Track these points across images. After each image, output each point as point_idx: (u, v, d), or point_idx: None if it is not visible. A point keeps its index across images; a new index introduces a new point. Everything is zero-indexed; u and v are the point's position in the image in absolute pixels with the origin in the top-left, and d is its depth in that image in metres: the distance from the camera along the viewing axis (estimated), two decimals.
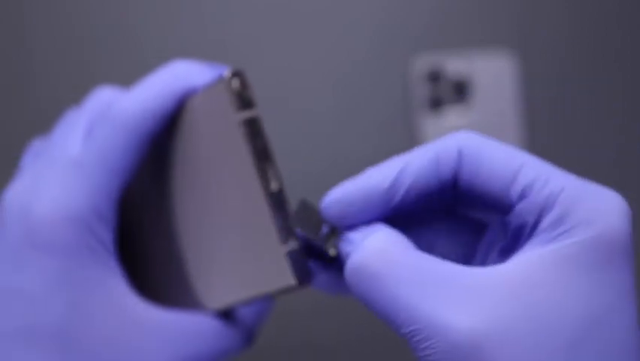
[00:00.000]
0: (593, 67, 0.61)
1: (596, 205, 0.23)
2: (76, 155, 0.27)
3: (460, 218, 0.29)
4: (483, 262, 0.27)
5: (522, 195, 0.24)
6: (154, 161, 0.29)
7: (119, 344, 0.27)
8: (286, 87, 0.60)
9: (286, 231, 0.25)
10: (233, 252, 0.27)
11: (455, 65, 0.58)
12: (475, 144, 0.25)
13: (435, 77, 0.58)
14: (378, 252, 0.24)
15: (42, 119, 0.59)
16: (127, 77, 0.59)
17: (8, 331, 0.26)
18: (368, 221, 0.26)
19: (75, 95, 0.59)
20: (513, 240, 0.25)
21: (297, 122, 0.59)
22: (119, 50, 0.59)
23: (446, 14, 0.60)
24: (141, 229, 0.31)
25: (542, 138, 0.60)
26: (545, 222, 0.23)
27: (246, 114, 0.25)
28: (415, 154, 0.25)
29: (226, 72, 0.25)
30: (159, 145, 0.29)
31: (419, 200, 0.26)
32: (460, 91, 0.59)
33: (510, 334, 0.21)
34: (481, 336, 0.21)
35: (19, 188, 0.28)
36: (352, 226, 0.26)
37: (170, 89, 0.27)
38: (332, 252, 0.26)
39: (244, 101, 0.25)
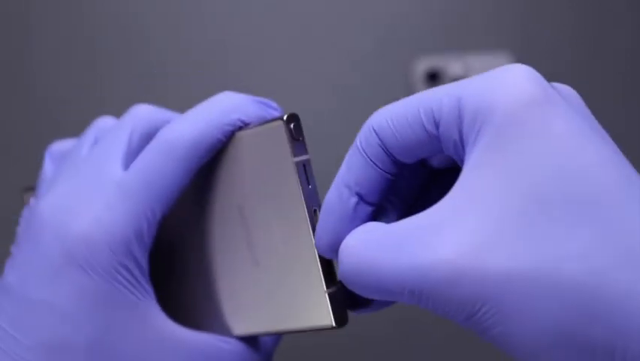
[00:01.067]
0: (590, 69, 0.61)
1: (491, 88, 0.21)
2: (121, 177, 0.28)
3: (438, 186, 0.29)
4: None
5: (437, 124, 0.23)
6: (196, 187, 0.30)
7: None
8: (288, 88, 0.60)
9: (330, 274, 0.26)
10: (272, 286, 0.28)
11: (455, 67, 0.59)
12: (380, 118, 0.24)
13: (434, 78, 0.59)
14: (357, 242, 0.24)
15: (41, 120, 0.59)
16: (127, 77, 0.59)
17: (32, 344, 0.27)
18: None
19: (75, 95, 0.59)
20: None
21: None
22: (119, 50, 0.59)
23: (446, 18, 0.60)
24: (174, 250, 0.31)
25: None
26: (467, 135, 0.22)
27: (301, 158, 0.26)
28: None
29: (285, 115, 0.27)
30: (203, 172, 0.29)
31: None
32: None
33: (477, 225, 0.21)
34: (464, 252, 0.21)
35: (56, 202, 0.28)
36: None
37: (222, 121, 0.28)
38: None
39: (299, 144, 0.26)
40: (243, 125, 0.28)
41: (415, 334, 0.60)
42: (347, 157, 0.25)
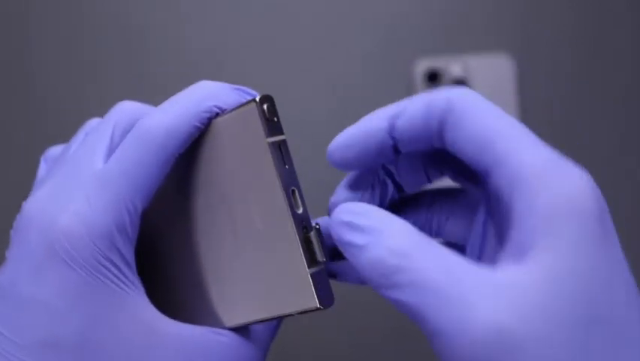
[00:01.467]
0: (590, 69, 0.61)
1: (562, 189, 0.23)
2: (101, 169, 0.28)
3: (455, 197, 0.30)
4: (481, 246, 0.27)
5: (492, 166, 0.24)
6: (177, 177, 0.30)
7: (137, 357, 0.27)
8: (288, 88, 0.60)
9: (310, 254, 0.26)
10: (256, 272, 0.27)
11: (455, 68, 0.59)
12: (467, 100, 0.25)
13: (434, 78, 0.59)
14: (402, 244, 0.23)
15: (41, 119, 0.59)
16: (126, 77, 0.59)
17: (26, 343, 0.26)
18: (369, 167, 0.28)
19: (74, 94, 0.59)
20: (498, 216, 0.25)
21: (300, 122, 0.60)
22: (118, 50, 0.59)
23: (446, 18, 0.60)
24: (160, 243, 0.31)
25: (540, 139, 0.61)
26: (519, 201, 0.23)
27: (275, 138, 0.26)
28: (412, 100, 0.26)
29: (258, 97, 0.26)
30: (183, 162, 0.29)
31: (415, 146, 0.27)
32: None
33: (535, 327, 0.21)
34: (506, 330, 0.21)
35: (41, 198, 0.28)
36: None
37: (198, 109, 0.28)
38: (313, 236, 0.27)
39: (273, 125, 0.26)
40: (220, 112, 0.28)
41: (414, 338, 0.60)
42: (412, 102, 0.26)
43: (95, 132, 0.29)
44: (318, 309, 0.26)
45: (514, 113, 0.59)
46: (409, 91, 0.60)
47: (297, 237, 0.26)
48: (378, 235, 0.23)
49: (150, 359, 0.27)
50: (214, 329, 0.29)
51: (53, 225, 0.27)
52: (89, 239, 0.26)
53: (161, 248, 0.31)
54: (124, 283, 0.27)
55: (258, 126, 0.26)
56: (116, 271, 0.27)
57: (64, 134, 0.59)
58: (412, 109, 0.26)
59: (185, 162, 0.29)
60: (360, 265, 0.24)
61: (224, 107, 0.28)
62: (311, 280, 0.25)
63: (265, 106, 0.26)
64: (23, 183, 0.59)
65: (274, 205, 0.26)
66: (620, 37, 0.61)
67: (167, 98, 0.29)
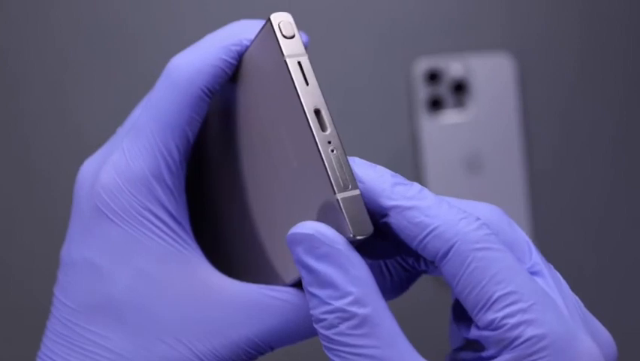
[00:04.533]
0: (591, 68, 0.61)
1: None
2: (136, 118, 0.27)
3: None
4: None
5: (490, 325, 0.22)
6: (220, 123, 0.28)
7: (193, 317, 0.25)
8: None
9: (340, 177, 0.23)
10: (302, 215, 0.25)
11: (454, 67, 0.59)
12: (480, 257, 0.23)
13: (434, 78, 0.59)
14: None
15: (41, 119, 0.59)
16: (124, 77, 0.59)
17: (77, 306, 0.26)
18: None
19: (73, 94, 0.59)
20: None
21: None
22: (116, 51, 0.59)
23: (446, 17, 0.60)
24: (211, 195, 0.29)
25: (541, 139, 0.60)
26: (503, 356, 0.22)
27: (295, 56, 0.24)
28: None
29: (273, 15, 0.25)
30: (224, 105, 0.28)
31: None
32: (459, 92, 0.59)
33: None
34: None
35: (91, 160, 0.28)
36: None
37: (226, 43, 0.26)
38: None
39: (292, 43, 0.24)
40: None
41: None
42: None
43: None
44: (355, 240, 0.23)
45: (515, 113, 0.59)
46: (408, 91, 0.59)
47: (323, 160, 0.23)
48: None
49: (206, 319, 0.25)
50: (273, 287, 0.27)
51: (96, 181, 0.26)
52: (125, 188, 0.26)
53: (212, 201, 0.29)
54: (171, 237, 0.26)
55: (275, 46, 0.24)
56: (159, 224, 0.26)
57: (59, 135, 0.59)
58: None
59: (226, 104, 0.28)
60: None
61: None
62: (341, 206, 0.23)
63: (280, 23, 0.24)
64: (17, 183, 0.59)
65: (301, 131, 0.24)
66: (621, 36, 0.61)
67: None
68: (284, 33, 0.24)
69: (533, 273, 0.24)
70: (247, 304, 0.26)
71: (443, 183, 0.58)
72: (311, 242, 0.23)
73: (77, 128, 0.59)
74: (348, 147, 0.59)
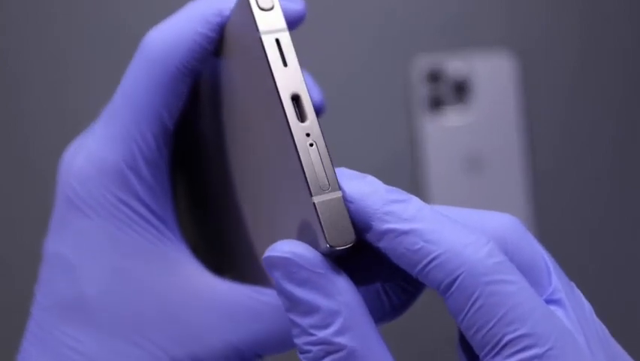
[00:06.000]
0: (592, 67, 0.61)
1: None
2: (112, 101, 0.24)
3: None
4: None
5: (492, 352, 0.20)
6: (209, 103, 0.25)
7: (171, 319, 0.23)
8: None
9: (319, 176, 0.20)
10: (286, 212, 0.22)
11: (455, 66, 0.59)
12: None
13: (435, 77, 0.58)
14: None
15: (41, 119, 0.59)
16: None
17: (49, 304, 0.24)
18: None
19: (73, 94, 0.59)
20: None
21: None
22: (116, 50, 0.59)
23: (446, 15, 0.60)
24: (201, 185, 0.27)
25: (542, 138, 0.60)
26: None
27: (273, 31, 0.21)
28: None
29: None
30: (212, 82, 0.24)
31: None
32: (460, 91, 0.59)
33: None
34: None
35: (74, 146, 0.25)
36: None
37: (204, 13, 0.23)
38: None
39: (270, 16, 0.21)
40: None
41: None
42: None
43: None
44: (334, 250, 0.20)
45: (516, 113, 0.59)
46: (409, 90, 0.59)
47: (298, 154, 0.20)
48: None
49: (185, 321, 0.23)
50: (263, 290, 0.24)
51: (69, 170, 0.24)
52: (97, 179, 0.23)
53: (201, 191, 0.27)
54: (148, 231, 0.24)
55: (251, 19, 0.21)
56: (135, 217, 0.23)
57: (55, 136, 0.59)
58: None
59: (212, 82, 0.24)
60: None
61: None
62: (317, 211, 0.19)
63: None
64: (17, 183, 0.59)
65: (279, 120, 0.20)
66: (622, 36, 0.61)
67: None
68: (260, 4, 0.21)
69: (552, 301, 0.21)
70: (232, 306, 0.24)
71: (444, 183, 0.58)
72: (289, 266, 0.20)
73: (77, 128, 0.59)
74: (347, 148, 0.59)
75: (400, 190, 0.21)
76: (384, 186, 0.21)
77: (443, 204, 0.58)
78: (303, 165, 0.20)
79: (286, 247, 0.20)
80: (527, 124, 0.60)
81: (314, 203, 0.20)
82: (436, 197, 0.58)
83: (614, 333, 0.25)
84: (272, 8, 0.21)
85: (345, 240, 0.20)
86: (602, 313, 0.66)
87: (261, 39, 0.20)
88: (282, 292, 0.20)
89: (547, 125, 0.60)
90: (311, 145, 0.20)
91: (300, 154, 0.20)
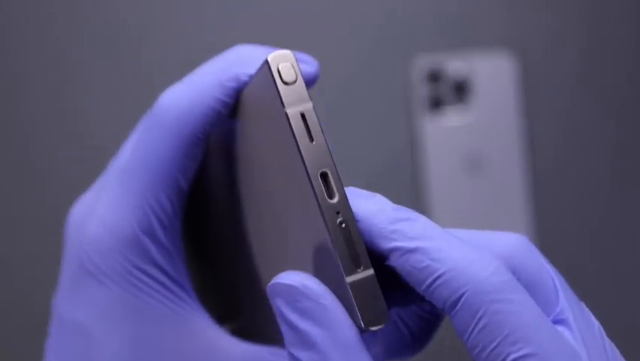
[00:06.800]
0: (592, 67, 0.61)
1: None
2: (123, 163, 0.24)
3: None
4: None
5: None
6: (222, 163, 0.25)
7: None
8: None
9: (351, 256, 0.20)
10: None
11: (455, 66, 0.58)
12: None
13: (435, 77, 0.58)
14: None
15: (41, 119, 0.59)
16: (125, 77, 0.59)
17: None
18: None
19: (73, 94, 0.59)
20: None
21: None
22: (116, 50, 0.59)
23: (446, 15, 0.60)
24: (214, 245, 0.26)
25: (542, 138, 0.60)
26: None
27: (297, 107, 0.20)
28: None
29: (270, 55, 0.21)
30: (225, 142, 0.24)
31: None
32: (460, 91, 0.59)
33: None
34: None
35: (81, 203, 0.25)
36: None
37: (220, 79, 0.23)
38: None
39: (293, 90, 0.21)
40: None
41: None
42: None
43: (138, 125, 0.25)
44: (365, 331, 0.20)
45: (516, 113, 0.59)
46: (409, 90, 0.59)
47: (330, 235, 0.20)
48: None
49: None
50: (281, 351, 0.24)
51: (82, 235, 0.23)
52: (113, 247, 0.23)
53: (215, 251, 0.26)
54: (167, 297, 0.23)
55: (274, 93, 0.21)
56: (153, 284, 0.23)
57: (54, 137, 0.59)
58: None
59: (225, 143, 0.24)
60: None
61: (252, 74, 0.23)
62: (350, 292, 0.19)
63: (280, 66, 0.21)
64: (17, 183, 0.59)
65: (305, 195, 0.20)
66: (623, 35, 0.61)
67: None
68: (284, 78, 0.21)
69: (559, 321, 0.21)
70: None
71: (444, 183, 0.58)
72: (292, 295, 0.20)
73: (77, 128, 0.59)
74: (347, 148, 0.59)
75: (407, 209, 0.21)
76: (391, 205, 0.21)
77: (443, 204, 0.58)
78: (335, 245, 0.20)
79: (294, 276, 0.20)
80: (527, 124, 0.60)
81: (348, 283, 0.20)
82: (436, 197, 0.58)
83: (614, 334, 0.25)
84: (295, 81, 0.21)
85: (379, 321, 0.20)
86: (602, 313, 0.66)
87: (286, 114, 0.20)
88: (284, 321, 0.20)
89: (547, 126, 0.60)
90: (341, 223, 0.20)
91: (332, 234, 0.20)
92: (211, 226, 0.26)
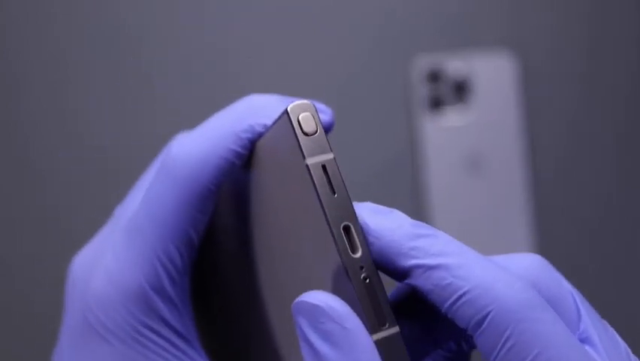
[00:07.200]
0: (593, 67, 0.61)
1: None
2: (130, 216, 0.23)
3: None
4: None
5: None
6: (231, 218, 0.24)
7: None
8: (287, 88, 0.60)
9: (375, 313, 0.19)
10: None
11: (455, 66, 0.58)
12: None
13: (435, 77, 0.58)
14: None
15: (41, 119, 0.59)
16: (125, 77, 0.59)
17: None
18: None
19: (73, 94, 0.59)
20: None
21: None
22: (116, 51, 0.59)
23: (446, 15, 0.60)
24: (223, 299, 0.26)
25: (542, 138, 0.60)
26: None
27: (317, 158, 0.20)
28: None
29: (290, 105, 0.21)
30: (235, 197, 0.24)
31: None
32: (460, 91, 0.59)
33: None
34: None
35: (85, 257, 0.24)
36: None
37: (234, 130, 0.22)
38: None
39: (314, 140, 0.20)
40: (265, 131, 0.23)
41: None
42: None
43: (145, 174, 0.25)
44: None
45: (516, 113, 0.59)
46: (409, 90, 0.59)
47: (356, 291, 0.19)
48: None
49: None
50: None
51: (86, 289, 0.23)
52: (119, 302, 0.22)
53: (223, 306, 0.26)
54: (175, 355, 0.22)
55: (294, 144, 0.20)
56: (161, 342, 0.22)
57: (54, 140, 0.59)
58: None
59: (237, 194, 0.24)
60: None
61: (270, 124, 0.23)
62: (376, 348, 0.19)
63: (300, 116, 0.20)
64: (17, 183, 0.59)
65: (326, 248, 0.20)
66: (624, 35, 0.61)
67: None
68: (304, 129, 0.20)
69: (583, 340, 0.20)
70: None
71: (444, 183, 0.58)
72: (316, 315, 0.19)
73: (77, 128, 0.59)
74: (347, 149, 0.59)
75: (426, 225, 0.20)
76: (410, 221, 0.20)
77: (443, 204, 0.58)
78: (360, 302, 0.19)
79: (320, 296, 0.19)
80: (527, 124, 0.60)
81: (374, 342, 0.19)
82: (436, 197, 0.58)
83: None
84: (316, 132, 0.20)
85: None
86: (602, 313, 0.66)
87: (308, 167, 0.20)
88: (306, 342, 0.19)
89: (548, 126, 0.60)
90: (365, 279, 0.20)
91: (357, 291, 0.19)
92: (220, 278, 0.25)
